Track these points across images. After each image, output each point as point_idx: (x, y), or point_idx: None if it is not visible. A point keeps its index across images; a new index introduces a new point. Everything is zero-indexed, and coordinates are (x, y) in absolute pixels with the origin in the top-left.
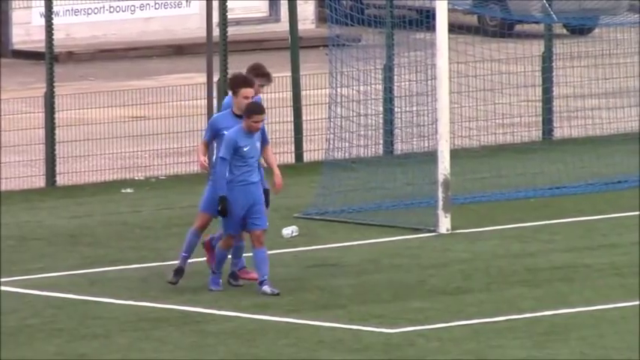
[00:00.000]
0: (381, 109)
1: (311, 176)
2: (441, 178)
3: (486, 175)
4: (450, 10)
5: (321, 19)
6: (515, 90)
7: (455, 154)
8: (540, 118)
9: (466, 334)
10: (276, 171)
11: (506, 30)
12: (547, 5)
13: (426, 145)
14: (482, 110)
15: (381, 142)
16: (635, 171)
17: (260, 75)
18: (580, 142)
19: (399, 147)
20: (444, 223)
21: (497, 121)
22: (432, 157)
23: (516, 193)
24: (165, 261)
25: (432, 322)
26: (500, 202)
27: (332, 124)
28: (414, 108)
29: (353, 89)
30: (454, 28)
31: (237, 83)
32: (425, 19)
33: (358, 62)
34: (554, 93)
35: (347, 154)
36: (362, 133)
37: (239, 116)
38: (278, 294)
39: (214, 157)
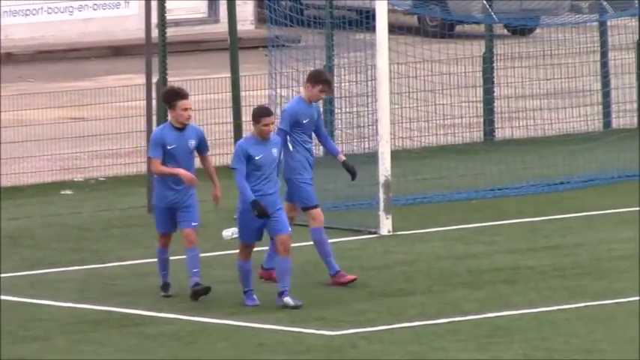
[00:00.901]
0: (320, 110)
1: None
2: (381, 179)
3: (427, 176)
4: (390, 11)
5: (260, 19)
6: (456, 91)
7: (396, 155)
8: (481, 119)
9: (408, 336)
10: (216, 182)
11: (446, 30)
12: (487, 6)
13: (367, 146)
14: (422, 111)
15: None
16: (577, 172)
17: (320, 81)
18: (522, 143)
19: (339, 148)
20: (386, 225)
21: (438, 122)
22: (372, 158)
23: (458, 194)
24: (105, 263)
25: (374, 324)
26: (442, 203)
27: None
28: (354, 109)
29: (292, 90)
30: (394, 28)
31: (173, 96)
32: (365, 20)
33: (298, 63)
34: (495, 94)
35: None
36: None
37: (179, 129)
38: (300, 306)
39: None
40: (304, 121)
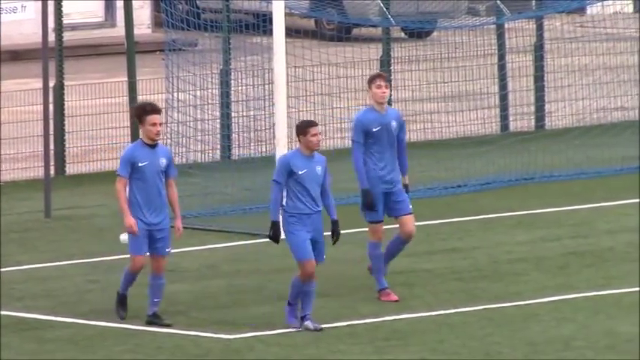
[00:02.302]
0: (218, 113)
1: None
2: None
3: None
4: (286, 14)
5: (157, 23)
6: (353, 94)
7: None
8: None
9: (306, 339)
10: (178, 212)
11: (343, 34)
12: (384, 8)
13: (264, 149)
14: (320, 114)
15: (219, 147)
16: (475, 175)
17: (375, 76)
18: (419, 147)
19: (236, 152)
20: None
21: (335, 125)
22: (269, 161)
23: (356, 197)
24: (3, 267)
25: (272, 327)
26: (340, 206)
27: (169, 129)
28: (252, 112)
29: (190, 94)
30: (291, 32)
31: (141, 111)
32: (262, 23)
33: (195, 67)
34: (392, 97)
35: (184, 160)
36: (199, 138)
37: (151, 146)
38: (321, 329)
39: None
40: (374, 130)
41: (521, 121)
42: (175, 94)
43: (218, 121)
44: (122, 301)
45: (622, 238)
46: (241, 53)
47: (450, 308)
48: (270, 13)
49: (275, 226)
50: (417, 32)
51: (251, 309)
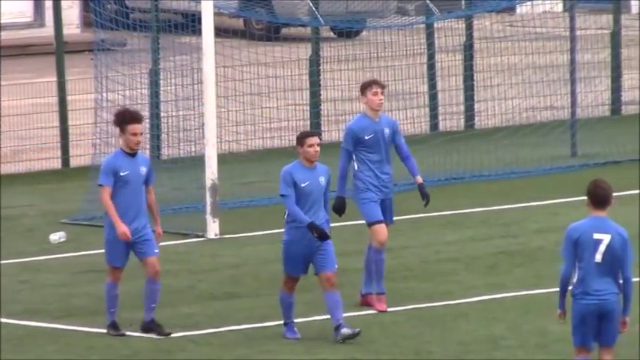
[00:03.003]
0: (147, 113)
1: (78, 182)
2: (208, 182)
3: (254, 179)
4: (215, 14)
5: (86, 23)
6: (283, 94)
7: (222, 158)
8: (308, 122)
9: (237, 339)
10: (158, 218)
11: (272, 33)
12: (313, 8)
13: (193, 149)
14: (249, 114)
15: (148, 147)
16: (404, 174)
17: (369, 85)
18: None
19: (166, 152)
20: (213, 228)
21: (264, 125)
22: (199, 161)
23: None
24: None
25: (202, 327)
26: (269, 206)
27: (98, 129)
28: (181, 112)
29: (119, 94)
30: (220, 31)
31: (122, 120)
32: (191, 23)
33: (124, 67)
34: (321, 97)
35: None
36: None
37: (131, 155)
38: (359, 332)
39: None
40: (366, 137)
41: (451, 120)
42: (104, 94)
43: (147, 120)
44: (114, 326)
45: (552, 238)
46: (170, 53)
47: None
48: (199, 13)
49: (314, 227)
50: (346, 32)
51: (181, 309)
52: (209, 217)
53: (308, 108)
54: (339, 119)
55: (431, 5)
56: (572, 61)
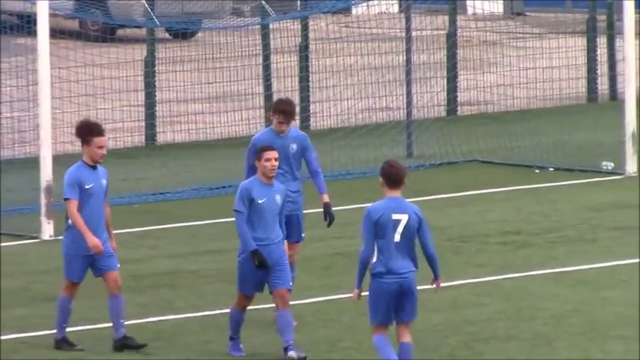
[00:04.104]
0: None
1: None
2: (43, 184)
3: None
4: (51, 15)
5: None
6: (118, 95)
7: (57, 159)
8: (143, 123)
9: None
10: (112, 232)
11: (108, 34)
12: (149, 9)
13: (28, 150)
14: (84, 115)
15: None
16: (239, 175)
17: (276, 111)
18: (184, 147)
19: (0, 153)
20: (47, 230)
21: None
22: (34, 163)
23: (120, 198)
24: None
25: (36, 329)
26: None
27: None
28: (16, 114)
29: None
30: (55, 32)
31: (87, 132)
32: (26, 24)
33: None
34: (157, 98)
35: None
36: None
37: (92, 166)
38: (305, 358)
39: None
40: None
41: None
42: None
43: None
44: (67, 341)
45: None
46: (6, 54)
47: (215, 309)
48: (35, 14)
49: (256, 254)
50: (182, 33)
51: (15, 311)
52: (44, 219)
53: (143, 109)
54: (174, 120)
55: (266, 6)
56: (408, 62)
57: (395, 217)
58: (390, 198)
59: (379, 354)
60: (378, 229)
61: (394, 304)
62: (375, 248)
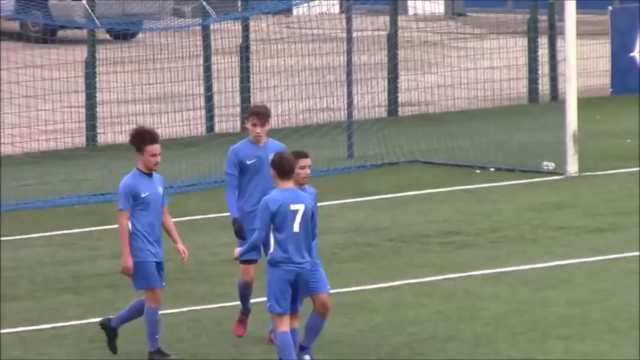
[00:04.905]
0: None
1: None
2: None
3: (31, 182)
4: None
5: None
6: (59, 96)
7: None
8: (84, 125)
9: (12, 341)
10: (177, 236)
11: (48, 35)
12: (90, 10)
13: None
14: (25, 117)
15: None
16: (180, 176)
17: (250, 114)
18: (124, 149)
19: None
20: None
21: (40, 127)
22: None
23: (61, 199)
24: None
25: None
26: (46, 208)
27: None
28: None
29: None
30: None
31: (141, 139)
32: None
33: None
34: (97, 99)
35: None
36: None
37: (147, 174)
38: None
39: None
40: (248, 163)
41: (227, 122)
42: None
43: None
44: (161, 352)
45: (328, 240)
46: None
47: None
48: None
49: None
50: (123, 34)
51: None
52: None
53: (84, 110)
54: (114, 121)
55: (207, 7)
56: (349, 63)
57: (293, 207)
58: (285, 189)
59: (280, 353)
60: (277, 219)
61: (290, 294)
62: (273, 239)
